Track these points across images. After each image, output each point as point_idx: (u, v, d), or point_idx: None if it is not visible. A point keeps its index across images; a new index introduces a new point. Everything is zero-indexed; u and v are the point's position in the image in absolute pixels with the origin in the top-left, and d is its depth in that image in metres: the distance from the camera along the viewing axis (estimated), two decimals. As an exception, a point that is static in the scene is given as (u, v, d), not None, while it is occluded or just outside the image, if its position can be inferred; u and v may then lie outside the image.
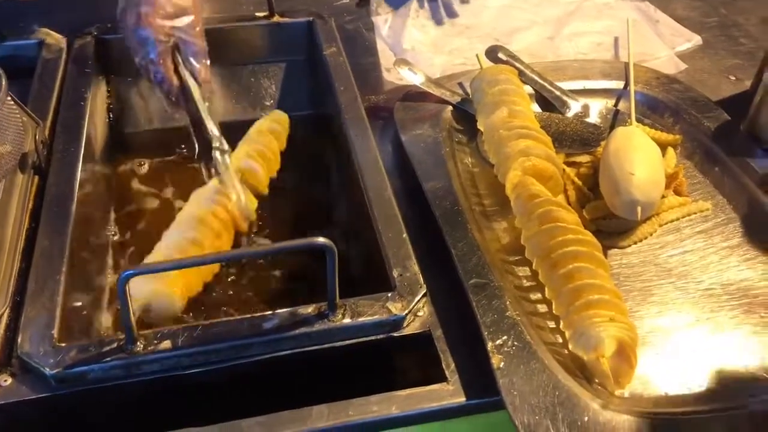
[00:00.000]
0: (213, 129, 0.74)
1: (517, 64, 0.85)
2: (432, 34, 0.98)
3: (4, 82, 0.63)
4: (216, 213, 0.70)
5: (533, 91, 0.84)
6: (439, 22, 1.00)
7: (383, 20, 1.00)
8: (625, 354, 0.55)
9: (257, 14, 0.97)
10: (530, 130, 0.72)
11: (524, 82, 0.82)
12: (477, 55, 0.85)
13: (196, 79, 0.77)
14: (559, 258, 0.60)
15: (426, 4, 1.03)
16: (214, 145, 0.74)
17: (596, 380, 0.56)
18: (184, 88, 0.77)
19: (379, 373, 0.61)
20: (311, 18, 0.97)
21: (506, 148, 0.70)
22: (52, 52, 0.88)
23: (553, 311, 0.60)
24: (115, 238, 0.82)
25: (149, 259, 0.67)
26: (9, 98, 0.65)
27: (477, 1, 1.04)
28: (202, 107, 0.75)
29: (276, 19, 0.96)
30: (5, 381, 0.55)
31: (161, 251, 0.67)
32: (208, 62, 0.79)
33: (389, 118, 0.82)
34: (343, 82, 0.87)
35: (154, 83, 0.77)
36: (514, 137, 0.70)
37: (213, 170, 0.75)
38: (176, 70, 0.77)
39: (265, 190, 0.81)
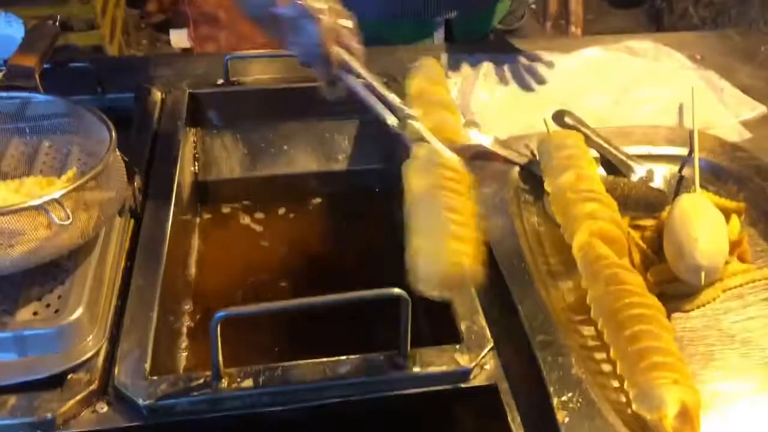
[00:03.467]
0: (392, 96, 0.71)
1: (583, 129, 0.88)
2: (499, 97, 1.02)
3: (114, 135, 0.70)
4: (445, 176, 0.64)
5: (598, 155, 0.87)
6: (509, 83, 1.05)
7: (453, 83, 1.05)
8: (688, 417, 0.57)
9: (334, 74, 1.03)
10: (597, 194, 0.74)
11: (590, 146, 0.85)
12: (545, 120, 0.88)
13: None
14: (624, 320, 0.62)
15: (497, 69, 1.07)
16: (405, 111, 0.70)
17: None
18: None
19: (446, 423, 0.64)
20: (385, 80, 1.03)
21: (574, 210, 0.73)
22: (148, 105, 0.96)
23: (618, 371, 0.62)
24: (195, 275, 0.88)
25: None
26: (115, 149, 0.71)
27: (545, 66, 1.09)
28: (370, 76, 0.72)
29: (351, 79, 1.02)
30: (102, 408, 0.59)
31: (421, 232, 0.62)
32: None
33: (458, 175, 0.86)
34: (414, 140, 0.91)
35: (314, 63, 0.71)
36: (581, 200, 0.73)
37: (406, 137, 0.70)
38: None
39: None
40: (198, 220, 0.96)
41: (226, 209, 0.99)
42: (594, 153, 0.86)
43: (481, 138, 0.88)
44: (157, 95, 0.97)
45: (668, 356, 0.59)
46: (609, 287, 0.65)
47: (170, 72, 1.03)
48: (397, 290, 0.58)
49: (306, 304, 0.59)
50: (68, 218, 0.59)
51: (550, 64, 1.07)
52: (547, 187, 0.80)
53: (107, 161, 0.66)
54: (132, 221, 0.77)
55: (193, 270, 0.89)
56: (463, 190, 0.64)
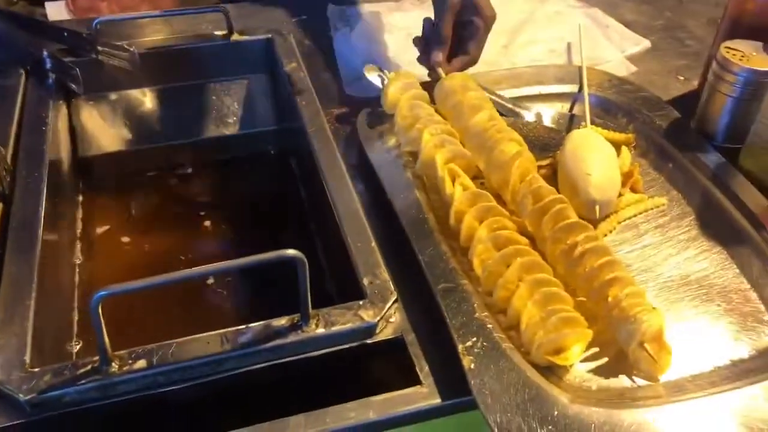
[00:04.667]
0: None
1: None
2: (390, 47, 0.99)
3: (-36, 111, 0.63)
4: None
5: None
6: (398, 32, 1.02)
7: (341, 35, 1.01)
8: (659, 340, 0.58)
9: (216, 33, 0.98)
10: (514, 133, 0.74)
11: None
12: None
13: None
14: (580, 256, 0.62)
15: (386, 17, 1.05)
16: None
17: (635, 372, 0.59)
18: None
19: (355, 380, 0.62)
20: (270, 35, 0.98)
21: (497, 152, 0.72)
22: (10, 79, 0.88)
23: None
24: (82, 260, 0.82)
25: None
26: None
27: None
28: None
29: (235, 37, 0.97)
30: (-22, 410, 0.54)
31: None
32: None
33: (352, 129, 0.84)
34: (305, 97, 0.88)
35: None
36: (505, 140, 0.72)
37: None
38: None
39: None
40: (81, 198, 0.90)
41: (111, 185, 0.93)
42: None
43: (380, 82, 0.86)
44: (21, 68, 0.89)
45: (632, 285, 0.60)
46: (558, 224, 0.65)
47: (36, 42, 0.94)
48: (291, 251, 0.55)
49: (195, 273, 0.56)
50: None
51: None
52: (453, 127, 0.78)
53: (-43, 140, 0.60)
54: (1, 205, 0.71)
55: (79, 253, 0.83)
56: None
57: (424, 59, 0.85)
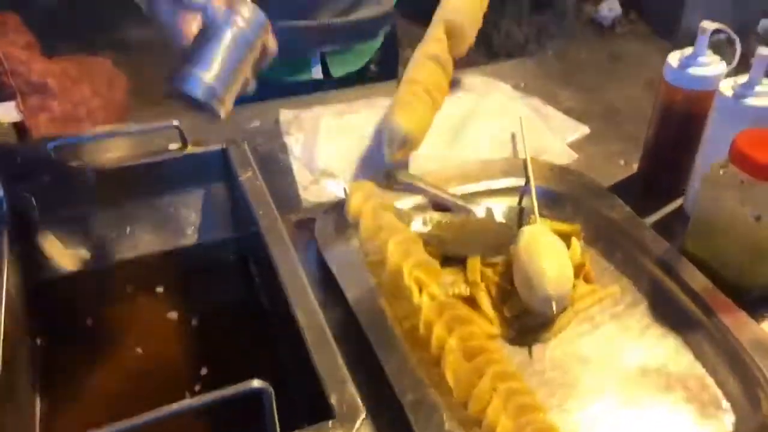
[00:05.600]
0: None
1: (416, 183, 0.89)
2: (344, 150, 1.02)
3: None
4: None
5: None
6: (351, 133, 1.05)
7: (295, 140, 1.04)
8: None
9: (170, 146, 0.99)
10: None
11: (426, 197, 0.88)
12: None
13: None
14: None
15: (337, 120, 1.08)
16: None
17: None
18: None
19: (330, 505, 0.62)
20: (224, 145, 1.00)
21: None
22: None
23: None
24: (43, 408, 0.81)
25: None
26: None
27: (384, 110, 1.10)
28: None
29: (190, 149, 0.99)
30: None
31: None
32: None
33: (311, 236, 0.85)
34: (262, 205, 0.89)
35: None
36: None
37: None
38: None
39: None
40: (37, 327, 0.88)
41: (70, 311, 0.92)
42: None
43: (337, 187, 0.88)
44: (-27, 196, 0.89)
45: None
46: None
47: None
48: (256, 383, 0.56)
49: (156, 417, 0.55)
50: None
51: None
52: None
53: None
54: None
55: (38, 394, 0.81)
56: None
57: None
